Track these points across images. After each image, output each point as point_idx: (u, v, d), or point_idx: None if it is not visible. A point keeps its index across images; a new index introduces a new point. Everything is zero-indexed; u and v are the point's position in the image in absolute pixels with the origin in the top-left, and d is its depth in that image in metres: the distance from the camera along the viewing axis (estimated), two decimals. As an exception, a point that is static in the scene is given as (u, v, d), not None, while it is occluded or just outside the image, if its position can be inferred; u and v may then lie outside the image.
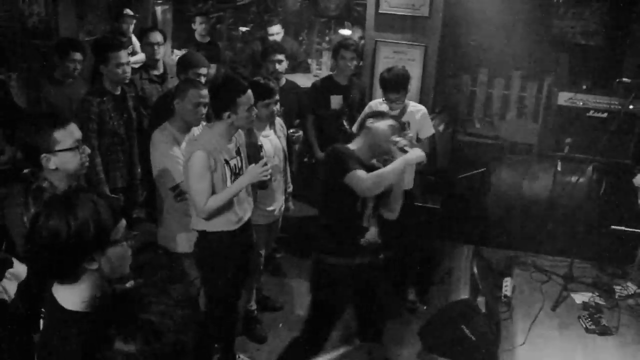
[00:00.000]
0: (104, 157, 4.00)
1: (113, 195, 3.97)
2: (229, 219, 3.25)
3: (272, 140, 3.82)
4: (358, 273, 3.25)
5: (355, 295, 3.38)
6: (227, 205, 3.20)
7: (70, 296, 1.61)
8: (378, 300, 3.46)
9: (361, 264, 3.24)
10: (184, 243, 3.62)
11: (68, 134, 2.52)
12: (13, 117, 4.52)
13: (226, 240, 3.28)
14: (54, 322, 1.63)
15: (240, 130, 3.33)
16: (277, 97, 3.71)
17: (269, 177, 3.26)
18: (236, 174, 3.25)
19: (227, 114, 3.12)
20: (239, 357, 3.79)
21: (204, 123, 3.55)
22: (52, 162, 2.47)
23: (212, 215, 3.15)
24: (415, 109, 4.21)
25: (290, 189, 4.18)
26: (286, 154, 3.99)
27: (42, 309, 1.73)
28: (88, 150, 2.62)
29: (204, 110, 3.54)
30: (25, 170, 2.55)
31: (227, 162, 3.18)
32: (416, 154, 3.10)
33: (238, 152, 3.32)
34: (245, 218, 3.37)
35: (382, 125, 3.17)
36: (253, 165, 3.25)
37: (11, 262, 2.42)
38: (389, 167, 3.08)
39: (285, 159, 3.99)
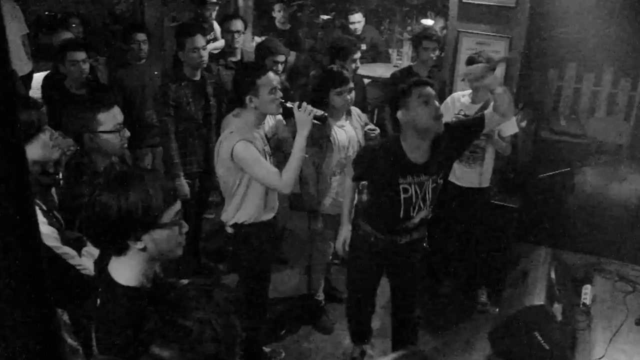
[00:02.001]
0: (181, 142, 4.09)
1: (187, 181, 4.08)
2: (262, 209, 3.25)
3: (347, 130, 3.76)
4: (394, 249, 3.23)
5: (390, 275, 3.42)
6: (262, 197, 3.19)
7: (122, 271, 1.72)
8: (412, 289, 3.44)
9: (399, 243, 3.22)
10: None
11: (111, 117, 2.70)
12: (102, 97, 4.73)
13: (261, 230, 3.28)
14: (107, 296, 1.73)
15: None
16: (352, 85, 3.65)
17: (319, 112, 3.10)
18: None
19: (248, 97, 3.07)
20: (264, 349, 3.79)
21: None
22: (94, 141, 2.67)
23: (292, 187, 3.12)
24: None
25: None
26: (362, 146, 3.93)
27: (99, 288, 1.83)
28: (128, 134, 2.76)
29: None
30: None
31: (263, 149, 3.17)
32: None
33: (267, 138, 3.33)
34: (276, 207, 3.38)
35: None
36: (297, 113, 3.06)
37: (84, 241, 2.52)
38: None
39: None
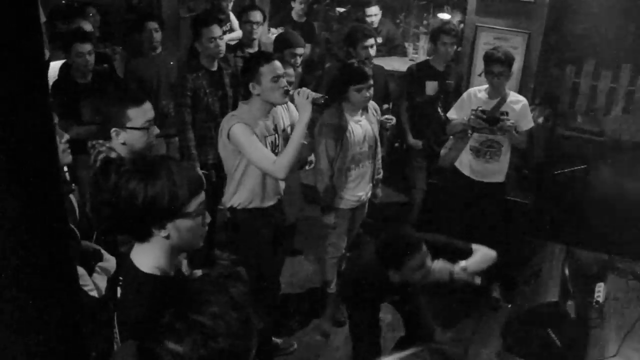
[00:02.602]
0: (197, 132, 4.10)
1: (203, 171, 4.09)
2: (260, 194, 3.27)
3: (363, 125, 3.76)
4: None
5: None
6: (259, 182, 3.22)
7: (145, 259, 1.72)
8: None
9: None
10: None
11: (141, 113, 2.59)
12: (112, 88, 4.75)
13: (256, 217, 3.29)
14: (129, 283, 1.74)
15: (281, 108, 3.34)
16: (371, 82, 3.63)
17: (317, 95, 3.11)
18: (273, 151, 3.23)
19: (251, 84, 3.09)
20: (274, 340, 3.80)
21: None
22: (121, 136, 2.56)
23: (290, 171, 3.14)
24: (516, 99, 4.03)
25: (380, 176, 4.11)
26: (377, 141, 3.92)
27: (120, 277, 1.83)
28: (157, 131, 2.70)
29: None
30: (91, 143, 2.63)
31: (265, 137, 3.18)
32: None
33: (276, 130, 3.30)
34: (276, 198, 3.38)
35: None
36: (297, 98, 3.09)
37: (101, 255, 2.44)
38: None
39: (377, 146, 3.92)
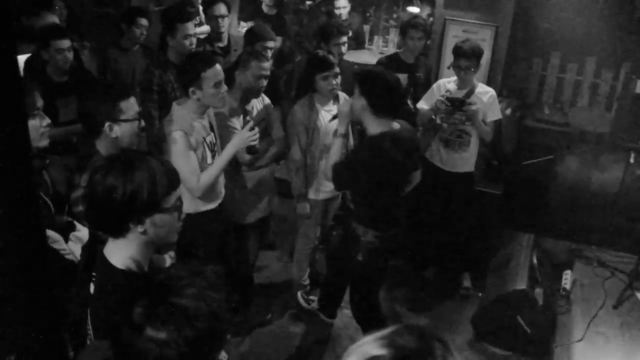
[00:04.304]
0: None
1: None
2: (211, 197, 3.24)
3: (335, 114, 3.79)
4: None
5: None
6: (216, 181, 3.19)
7: (118, 254, 1.70)
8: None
9: None
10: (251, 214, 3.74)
11: (131, 105, 2.61)
12: (85, 84, 4.66)
13: (210, 219, 3.25)
14: (104, 280, 1.71)
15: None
16: (337, 70, 3.68)
17: (257, 141, 3.18)
18: (212, 150, 3.20)
19: (191, 89, 3.03)
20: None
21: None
22: (115, 130, 2.56)
23: (205, 193, 3.11)
24: (484, 91, 4.10)
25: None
26: (350, 131, 3.95)
27: (94, 273, 1.81)
28: (143, 124, 2.69)
29: (264, 83, 3.54)
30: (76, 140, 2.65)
31: (204, 139, 3.13)
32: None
33: (212, 128, 3.27)
34: (223, 194, 3.37)
35: None
36: (241, 129, 3.19)
37: (74, 226, 2.52)
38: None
39: (349, 136, 3.94)
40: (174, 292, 1.32)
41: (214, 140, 3.26)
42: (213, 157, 3.19)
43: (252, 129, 3.15)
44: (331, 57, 3.70)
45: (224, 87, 3.11)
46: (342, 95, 3.90)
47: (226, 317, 1.34)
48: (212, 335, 1.31)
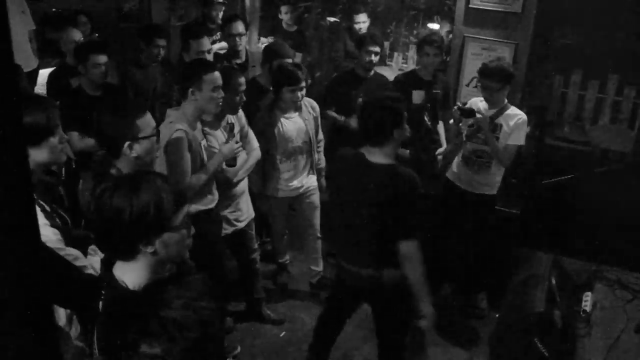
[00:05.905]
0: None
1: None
2: (208, 197, 3.39)
3: (295, 122, 4.01)
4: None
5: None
6: (208, 183, 3.33)
7: (129, 275, 1.66)
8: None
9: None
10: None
11: (147, 122, 2.58)
12: (116, 99, 4.74)
13: (205, 218, 3.35)
14: (115, 301, 1.68)
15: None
16: (303, 84, 3.87)
17: (238, 155, 3.46)
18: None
19: (191, 89, 3.15)
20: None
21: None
22: (135, 149, 2.52)
23: (191, 195, 3.19)
24: (513, 113, 4.01)
25: (321, 166, 4.36)
26: (311, 137, 4.11)
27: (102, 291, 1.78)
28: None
29: (243, 98, 3.61)
30: (97, 157, 2.64)
31: (200, 143, 3.27)
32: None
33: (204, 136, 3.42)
34: (217, 197, 3.49)
35: None
36: (226, 142, 3.37)
37: (91, 239, 2.47)
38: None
39: (310, 141, 4.11)
40: (163, 306, 1.30)
41: (206, 145, 3.39)
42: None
43: (237, 142, 3.42)
44: (299, 72, 3.85)
45: (221, 93, 3.25)
46: (310, 102, 4.14)
47: (217, 325, 1.34)
48: (207, 342, 1.30)
